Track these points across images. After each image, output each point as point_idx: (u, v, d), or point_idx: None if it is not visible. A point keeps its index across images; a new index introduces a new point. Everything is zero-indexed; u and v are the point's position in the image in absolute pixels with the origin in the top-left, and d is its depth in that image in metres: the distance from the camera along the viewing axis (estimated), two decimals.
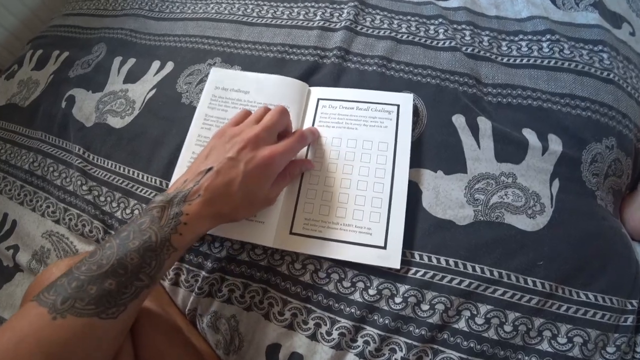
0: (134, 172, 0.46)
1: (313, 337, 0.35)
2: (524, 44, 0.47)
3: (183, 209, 0.30)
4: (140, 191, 0.45)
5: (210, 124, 0.43)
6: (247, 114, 0.38)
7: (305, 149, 0.41)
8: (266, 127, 0.35)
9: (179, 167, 0.42)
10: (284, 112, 0.37)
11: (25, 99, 0.59)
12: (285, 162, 0.36)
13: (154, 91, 0.51)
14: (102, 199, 0.46)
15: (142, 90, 0.52)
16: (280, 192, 0.38)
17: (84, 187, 0.47)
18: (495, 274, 0.35)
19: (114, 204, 0.45)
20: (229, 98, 0.45)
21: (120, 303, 0.27)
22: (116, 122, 0.50)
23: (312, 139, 0.40)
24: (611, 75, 0.44)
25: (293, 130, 0.40)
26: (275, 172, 0.35)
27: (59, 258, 0.46)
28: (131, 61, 0.56)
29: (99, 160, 0.48)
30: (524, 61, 0.46)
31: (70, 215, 0.47)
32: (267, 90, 0.44)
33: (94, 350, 0.26)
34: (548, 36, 0.47)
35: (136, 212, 0.44)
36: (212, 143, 0.36)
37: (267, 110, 0.38)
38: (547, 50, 0.46)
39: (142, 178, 0.45)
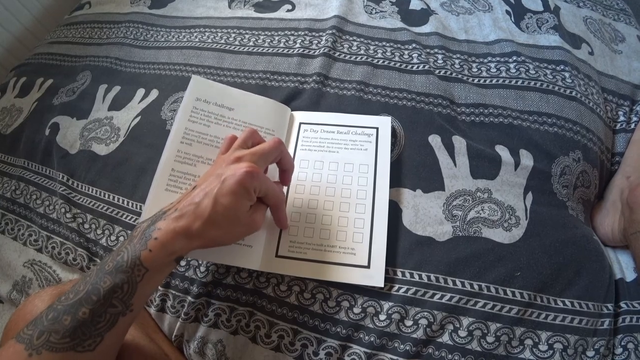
0: (118, 199, 0.46)
1: (300, 358, 0.35)
2: (492, 65, 0.50)
3: (157, 224, 0.29)
4: (125, 218, 0.45)
5: (191, 139, 0.41)
6: (234, 139, 0.36)
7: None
8: (253, 152, 0.33)
9: (153, 188, 0.39)
10: (279, 144, 0.34)
11: (8, 126, 0.59)
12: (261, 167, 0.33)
13: (138, 118, 0.52)
14: (86, 226, 0.46)
15: (127, 118, 0.52)
16: (264, 216, 0.35)
17: (68, 215, 0.47)
18: (476, 286, 0.36)
19: (99, 231, 0.45)
20: (212, 112, 0.43)
21: (95, 333, 0.26)
22: (101, 149, 0.50)
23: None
24: (574, 93, 0.47)
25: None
26: (250, 181, 0.31)
27: (41, 288, 0.45)
28: (116, 89, 0.57)
29: (84, 188, 0.48)
30: (494, 81, 0.49)
31: (54, 243, 0.47)
32: (251, 110, 0.44)
33: None
34: (514, 57, 0.50)
35: (121, 238, 0.44)
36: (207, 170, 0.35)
37: (252, 132, 0.36)
38: (514, 70, 0.49)
39: (127, 205, 0.45)
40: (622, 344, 0.35)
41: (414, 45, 0.53)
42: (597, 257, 0.39)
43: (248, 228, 0.33)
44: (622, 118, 0.48)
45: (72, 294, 0.27)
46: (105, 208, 0.46)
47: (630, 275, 0.39)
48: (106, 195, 0.47)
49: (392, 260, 0.37)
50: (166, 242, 0.29)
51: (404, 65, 0.51)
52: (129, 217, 0.45)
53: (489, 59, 0.51)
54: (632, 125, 0.48)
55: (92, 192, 0.48)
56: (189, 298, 0.39)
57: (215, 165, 0.34)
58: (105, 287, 0.27)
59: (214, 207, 0.30)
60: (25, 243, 0.48)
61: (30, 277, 0.46)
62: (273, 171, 0.39)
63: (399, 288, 0.36)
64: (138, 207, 0.45)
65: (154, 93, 0.54)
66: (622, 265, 0.40)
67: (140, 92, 0.55)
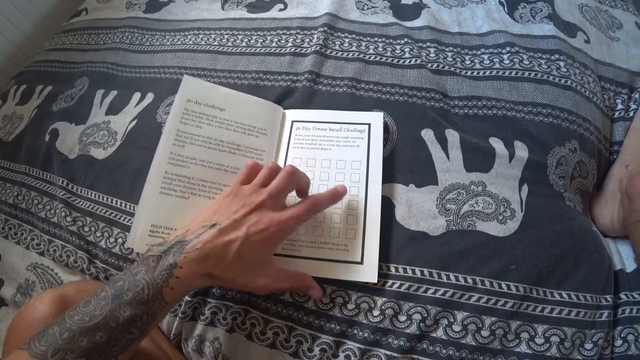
0: (116, 202, 0.47)
1: (295, 354, 0.36)
2: (485, 57, 0.50)
3: (178, 260, 0.30)
4: (124, 220, 0.45)
5: (184, 141, 0.41)
6: (255, 168, 0.37)
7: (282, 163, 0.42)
8: (272, 194, 0.34)
9: (147, 191, 0.39)
10: (291, 174, 0.35)
11: (10, 134, 0.60)
12: (290, 230, 0.34)
13: (135, 122, 0.53)
14: (86, 229, 0.47)
15: (123, 122, 0.53)
16: (276, 287, 0.34)
17: (68, 218, 0.48)
18: (470, 280, 0.36)
19: (98, 234, 0.46)
20: (203, 113, 0.43)
21: (110, 355, 0.27)
22: (99, 153, 0.51)
23: (329, 204, 0.37)
24: (569, 82, 0.46)
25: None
26: (276, 239, 0.33)
27: (44, 290, 0.46)
28: (113, 93, 0.57)
29: (83, 191, 0.49)
30: (487, 73, 0.48)
31: (55, 246, 0.48)
32: (243, 110, 0.45)
33: None
34: (508, 48, 0.50)
35: (120, 240, 0.45)
36: (222, 200, 0.35)
37: (274, 169, 0.36)
38: (507, 61, 0.49)
39: (125, 207, 0.46)
40: (622, 335, 0.35)
41: (405, 39, 0.52)
42: (595, 248, 0.38)
43: (258, 288, 0.33)
44: (620, 106, 0.48)
45: (88, 317, 0.27)
46: (104, 211, 0.47)
47: (630, 266, 0.39)
48: (104, 199, 0.48)
49: (385, 255, 0.37)
50: (187, 280, 0.30)
51: (396, 60, 0.51)
52: (126, 219, 0.45)
53: (482, 50, 0.51)
54: (631, 113, 0.47)
55: (91, 195, 0.49)
56: (186, 297, 0.39)
57: (234, 196, 0.34)
58: (125, 316, 0.27)
59: (238, 256, 0.31)
60: (28, 247, 0.49)
61: (34, 280, 0.47)
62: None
63: (393, 283, 0.36)
64: (135, 209, 0.45)
65: (150, 97, 0.55)
66: (622, 256, 0.40)
67: (137, 96, 0.56)
